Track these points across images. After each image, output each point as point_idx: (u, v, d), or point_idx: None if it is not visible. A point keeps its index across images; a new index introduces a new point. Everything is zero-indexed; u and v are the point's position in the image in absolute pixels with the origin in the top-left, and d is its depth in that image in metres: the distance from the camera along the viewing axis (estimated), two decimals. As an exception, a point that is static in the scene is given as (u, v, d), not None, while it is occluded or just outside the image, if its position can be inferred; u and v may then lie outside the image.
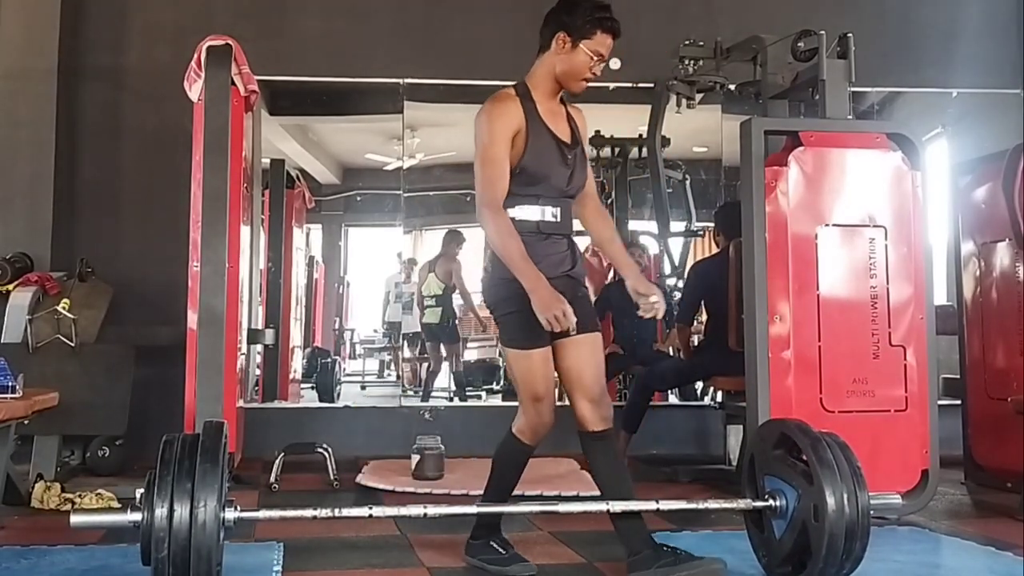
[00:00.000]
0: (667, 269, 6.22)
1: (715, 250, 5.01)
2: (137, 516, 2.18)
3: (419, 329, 6.24)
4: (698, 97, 4.99)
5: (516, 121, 2.74)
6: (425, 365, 6.23)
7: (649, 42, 5.65)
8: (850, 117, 4.00)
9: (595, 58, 2.77)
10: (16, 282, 4.60)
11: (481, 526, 2.95)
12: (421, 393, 6.08)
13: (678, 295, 5.65)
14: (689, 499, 2.87)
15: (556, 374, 2.84)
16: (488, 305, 2.90)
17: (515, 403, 2.96)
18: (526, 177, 2.75)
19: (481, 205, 2.72)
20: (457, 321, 6.24)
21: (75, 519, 2.25)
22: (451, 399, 6.06)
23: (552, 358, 2.78)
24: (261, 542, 3.10)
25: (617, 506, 2.73)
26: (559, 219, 2.79)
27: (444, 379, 6.19)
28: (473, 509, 2.73)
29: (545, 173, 2.77)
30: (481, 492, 4.02)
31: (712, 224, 5.35)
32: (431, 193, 6.06)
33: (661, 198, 5.31)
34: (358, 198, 6.24)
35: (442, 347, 6.21)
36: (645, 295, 2.79)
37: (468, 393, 6.11)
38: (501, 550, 2.89)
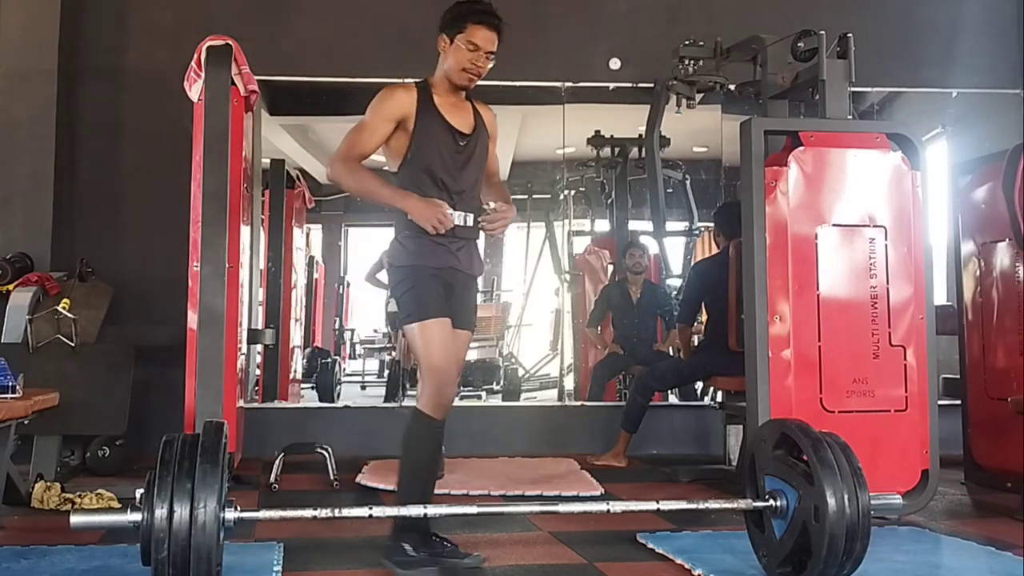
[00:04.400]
0: (665, 269, 6.24)
1: (715, 250, 5.02)
2: (137, 516, 2.17)
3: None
4: (698, 97, 4.99)
5: (402, 108, 2.91)
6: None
7: (649, 42, 5.68)
8: (850, 117, 4.00)
9: (471, 49, 2.92)
10: (16, 282, 4.60)
11: (402, 528, 2.85)
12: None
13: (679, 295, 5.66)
14: (689, 499, 2.87)
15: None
16: (394, 298, 3.02)
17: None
18: (418, 163, 2.91)
19: (334, 160, 2.90)
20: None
21: (75, 519, 2.25)
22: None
23: (451, 334, 2.86)
24: (261, 542, 3.10)
25: (617, 506, 2.73)
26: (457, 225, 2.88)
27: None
28: (473, 509, 2.73)
29: (433, 157, 2.91)
30: (480, 492, 4.05)
31: (710, 224, 5.35)
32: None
33: (657, 198, 5.31)
34: (358, 198, 6.24)
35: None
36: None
37: (467, 393, 6.11)
38: (413, 551, 2.81)
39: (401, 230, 2.95)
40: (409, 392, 5.99)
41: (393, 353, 6.19)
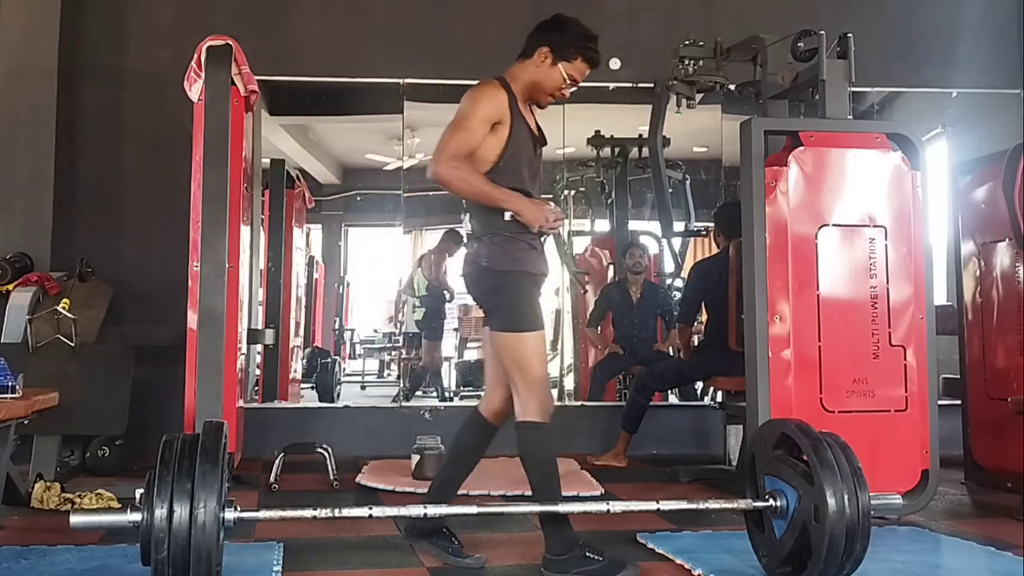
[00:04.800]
0: (669, 269, 6.24)
1: (715, 250, 5.01)
2: (137, 516, 2.17)
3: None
4: (698, 97, 4.98)
5: (500, 110, 2.84)
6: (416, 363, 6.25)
7: (649, 42, 5.68)
8: (850, 117, 4.00)
9: (568, 81, 2.92)
10: (16, 282, 4.60)
11: (564, 543, 2.79)
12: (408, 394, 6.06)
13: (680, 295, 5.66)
14: (689, 499, 2.87)
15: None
16: (476, 299, 2.95)
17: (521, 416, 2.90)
18: (510, 171, 2.84)
19: (440, 161, 2.76)
20: (444, 320, 6.24)
21: (75, 519, 2.25)
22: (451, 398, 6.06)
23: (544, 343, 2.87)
24: (261, 542, 3.10)
25: (617, 506, 2.73)
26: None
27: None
28: (473, 509, 2.73)
29: (522, 164, 2.87)
30: (480, 492, 4.05)
31: (711, 224, 5.35)
32: (431, 193, 6.05)
33: (663, 198, 5.31)
34: (358, 198, 6.24)
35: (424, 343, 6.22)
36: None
37: (467, 394, 6.11)
38: (597, 557, 2.77)
39: (494, 231, 2.82)
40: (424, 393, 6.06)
41: (415, 353, 6.25)
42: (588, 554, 2.76)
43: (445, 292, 6.21)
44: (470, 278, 2.92)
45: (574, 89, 2.96)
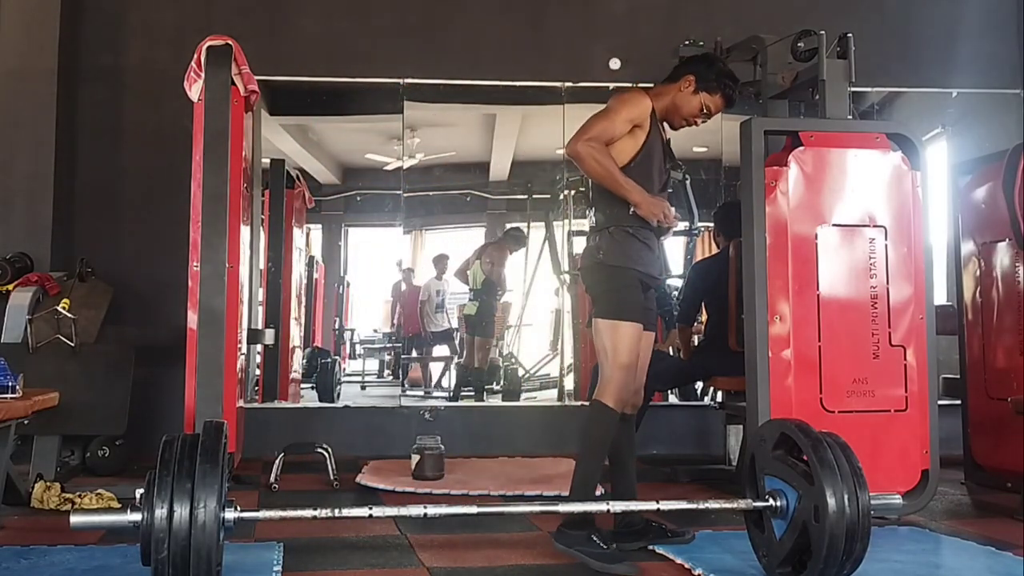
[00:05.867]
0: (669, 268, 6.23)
1: (715, 250, 5.01)
2: (137, 516, 2.18)
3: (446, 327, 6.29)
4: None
5: (643, 116, 3.08)
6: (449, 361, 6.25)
7: (649, 42, 5.68)
8: (850, 117, 4.00)
9: (704, 110, 3.18)
10: (16, 282, 4.60)
11: (577, 520, 2.93)
12: (445, 393, 6.07)
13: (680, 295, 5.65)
14: (689, 499, 2.87)
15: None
16: (588, 289, 3.21)
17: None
18: (640, 173, 3.04)
19: (580, 140, 2.98)
20: (496, 316, 6.24)
21: (75, 519, 2.25)
22: (454, 399, 6.06)
23: (639, 338, 3.04)
24: (261, 542, 3.10)
25: (617, 506, 2.74)
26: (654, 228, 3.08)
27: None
28: (473, 509, 2.73)
29: (651, 171, 3.09)
30: (480, 492, 4.06)
31: (710, 224, 5.35)
32: (431, 193, 6.06)
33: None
34: (358, 198, 6.24)
35: (475, 340, 6.23)
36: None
37: (467, 393, 6.11)
38: (603, 544, 2.88)
39: (616, 225, 3.06)
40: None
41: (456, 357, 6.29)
42: (594, 537, 2.87)
43: (499, 289, 6.20)
44: (585, 271, 3.19)
45: (705, 121, 3.24)
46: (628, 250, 3.05)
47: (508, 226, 6.26)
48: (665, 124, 3.25)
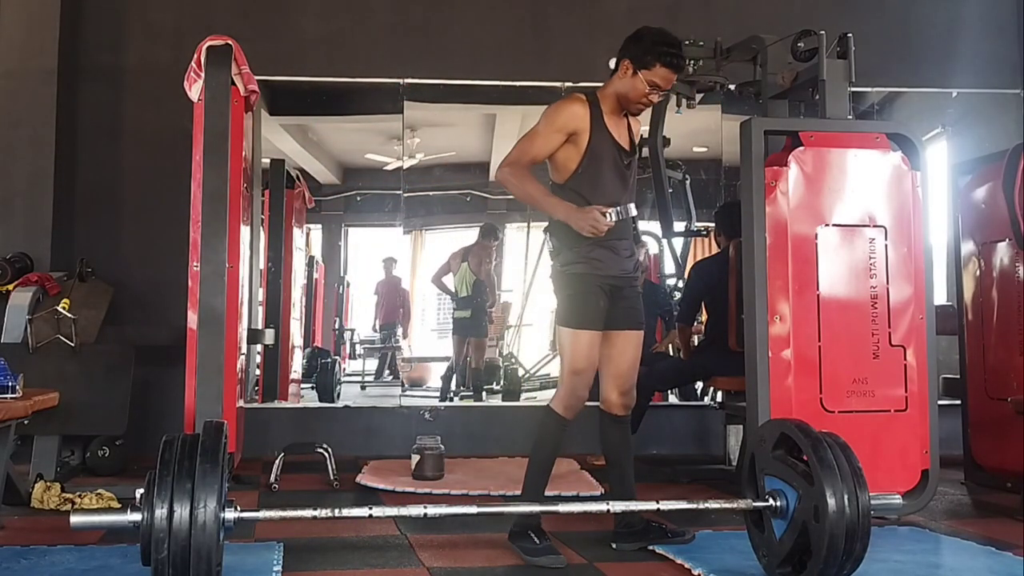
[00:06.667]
0: (669, 269, 6.23)
1: (715, 250, 5.01)
2: (137, 516, 2.17)
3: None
4: (698, 97, 4.98)
5: (577, 122, 3.02)
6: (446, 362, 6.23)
7: (649, 42, 5.66)
8: (850, 117, 3.99)
9: (651, 87, 3.05)
10: (16, 282, 4.60)
11: (522, 520, 3.04)
12: (439, 395, 6.06)
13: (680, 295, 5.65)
14: (689, 499, 2.87)
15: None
16: (554, 291, 3.18)
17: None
18: (588, 179, 3.02)
19: (502, 165, 3.02)
20: (488, 315, 6.22)
21: (75, 519, 2.25)
22: (451, 399, 6.06)
23: (599, 345, 3.06)
24: (261, 542, 3.10)
25: (617, 506, 2.74)
26: (617, 224, 2.99)
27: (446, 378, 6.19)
28: (473, 509, 2.72)
29: (600, 174, 3.03)
30: (480, 492, 4.06)
31: (712, 224, 5.35)
32: (431, 193, 6.06)
33: (664, 198, 5.31)
34: (358, 198, 6.24)
35: (472, 341, 6.20)
36: None
37: (467, 393, 6.10)
38: (536, 540, 2.96)
39: (567, 236, 3.01)
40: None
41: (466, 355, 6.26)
42: (530, 533, 2.98)
43: (487, 287, 6.18)
44: (552, 277, 3.16)
45: (665, 93, 3.14)
46: (583, 255, 3.01)
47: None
48: (628, 117, 3.19)
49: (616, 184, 3.07)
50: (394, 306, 6.31)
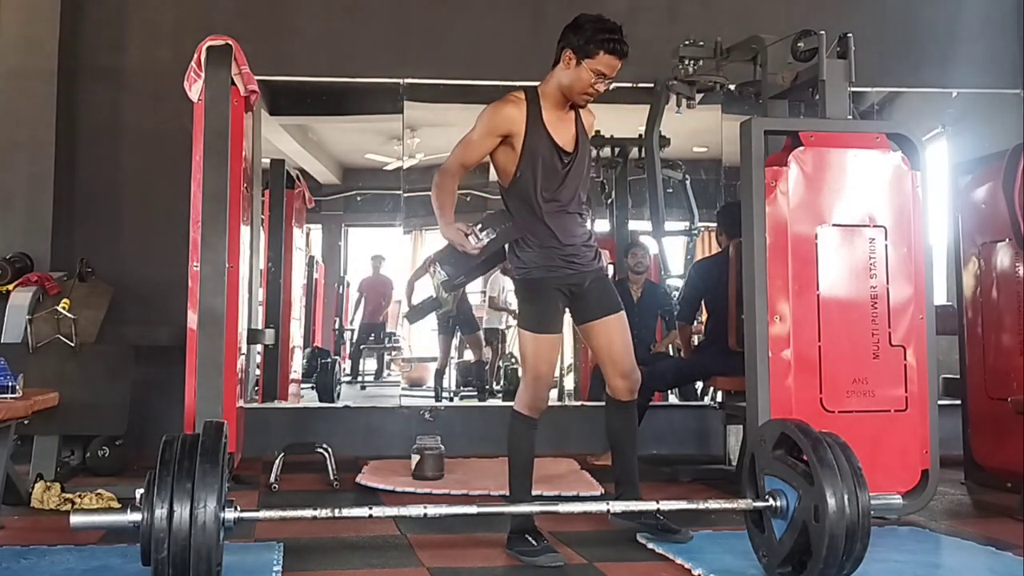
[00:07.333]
0: (664, 270, 6.23)
1: (716, 249, 5.01)
2: (137, 516, 2.18)
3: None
4: (698, 97, 4.99)
5: (510, 124, 2.96)
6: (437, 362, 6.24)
7: (649, 42, 5.66)
8: (850, 117, 4.00)
9: (596, 76, 2.95)
10: (16, 282, 4.60)
11: (516, 525, 3.04)
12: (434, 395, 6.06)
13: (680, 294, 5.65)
14: (689, 499, 2.87)
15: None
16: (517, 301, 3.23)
17: (514, 403, 3.02)
18: (523, 183, 2.99)
19: (440, 171, 3.07)
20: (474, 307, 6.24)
21: (75, 519, 2.25)
22: (450, 399, 6.06)
23: (560, 345, 3.10)
24: (261, 542, 3.10)
25: (617, 506, 2.74)
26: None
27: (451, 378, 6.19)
28: (473, 509, 2.73)
29: (537, 175, 2.98)
30: (480, 492, 4.06)
31: (711, 224, 5.35)
32: (431, 193, 6.05)
33: (656, 198, 5.31)
34: (358, 198, 6.24)
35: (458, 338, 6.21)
36: None
37: (467, 393, 6.11)
38: (534, 542, 2.95)
39: (515, 243, 3.04)
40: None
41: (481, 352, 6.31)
42: (527, 536, 2.96)
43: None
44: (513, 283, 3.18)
45: (610, 82, 2.99)
46: (532, 259, 3.02)
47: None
48: (576, 111, 3.09)
49: (557, 184, 3.01)
50: (379, 306, 6.31)
